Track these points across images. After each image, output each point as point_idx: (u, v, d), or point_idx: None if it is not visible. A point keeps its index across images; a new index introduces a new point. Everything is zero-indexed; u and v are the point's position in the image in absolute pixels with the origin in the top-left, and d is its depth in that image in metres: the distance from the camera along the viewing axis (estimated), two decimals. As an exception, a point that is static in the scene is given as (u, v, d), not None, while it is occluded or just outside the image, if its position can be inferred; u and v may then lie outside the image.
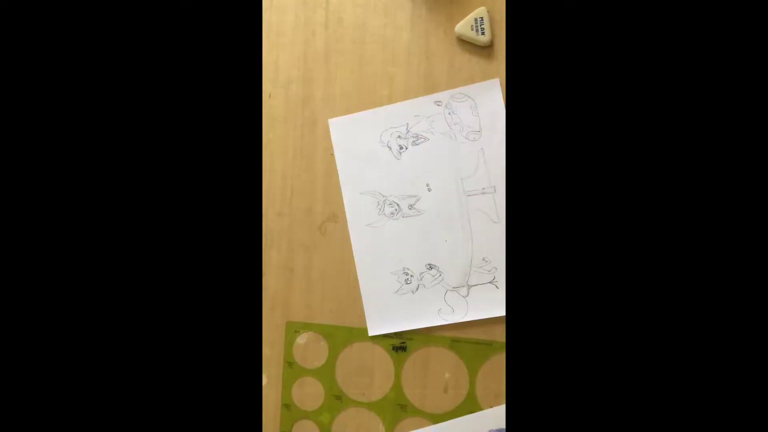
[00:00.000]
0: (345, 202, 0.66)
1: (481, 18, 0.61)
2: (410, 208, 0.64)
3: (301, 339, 0.68)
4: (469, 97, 0.63)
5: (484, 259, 0.62)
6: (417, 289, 0.64)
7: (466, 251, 0.63)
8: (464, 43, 0.62)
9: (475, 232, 0.63)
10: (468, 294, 0.63)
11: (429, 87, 0.64)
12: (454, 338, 0.63)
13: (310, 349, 0.68)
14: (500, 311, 0.62)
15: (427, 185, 0.64)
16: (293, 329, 0.69)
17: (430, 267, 0.64)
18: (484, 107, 0.63)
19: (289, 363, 0.69)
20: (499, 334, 0.62)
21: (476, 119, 0.63)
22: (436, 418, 0.64)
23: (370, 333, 0.65)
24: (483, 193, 0.63)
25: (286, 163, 0.69)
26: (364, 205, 0.66)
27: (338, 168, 0.67)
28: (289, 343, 0.69)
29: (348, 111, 0.66)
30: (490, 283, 0.62)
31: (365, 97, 0.66)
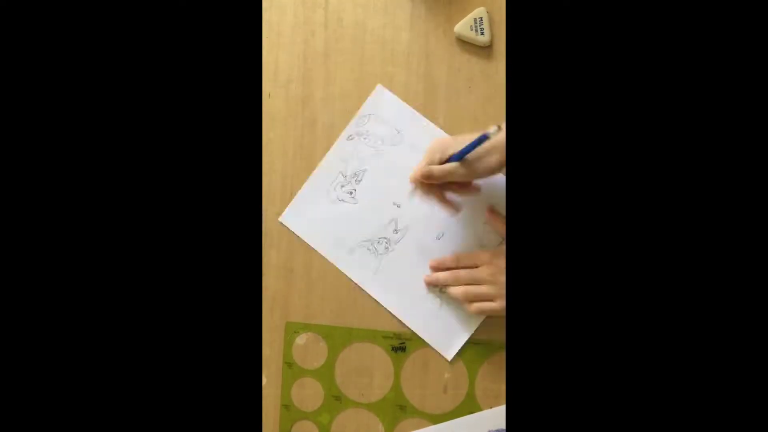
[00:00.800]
0: (344, 271, 0.66)
1: (481, 18, 0.61)
2: (396, 232, 0.65)
3: (301, 339, 0.68)
4: (369, 114, 0.65)
5: (484, 223, 0.63)
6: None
7: (465, 227, 0.63)
8: (464, 43, 0.62)
9: (465, 211, 0.62)
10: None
11: (428, 87, 0.64)
12: (453, 338, 0.63)
13: (310, 350, 0.68)
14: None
15: (394, 203, 0.65)
16: (293, 330, 0.69)
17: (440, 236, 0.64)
18: (385, 112, 0.64)
19: (289, 363, 0.69)
20: (499, 334, 0.62)
21: (388, 126, 0.65)
22: (436, 419, 0.64)
23: (449, 358, 0.63)
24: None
25: (286, 163, 0.69)
26: (360, 260, 0.66)
27: (319, 251, 0.67)
28: (288, 344, 0.69)
29: (348, 111, 0.66)
30: (502, 242, 0.62)
31: (365, 97, 0.66)
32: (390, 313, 0.65)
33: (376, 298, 0.65)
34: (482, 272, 0.60)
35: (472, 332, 0.63)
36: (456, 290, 0.61)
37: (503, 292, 0.58)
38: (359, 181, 0.66)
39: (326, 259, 0.67)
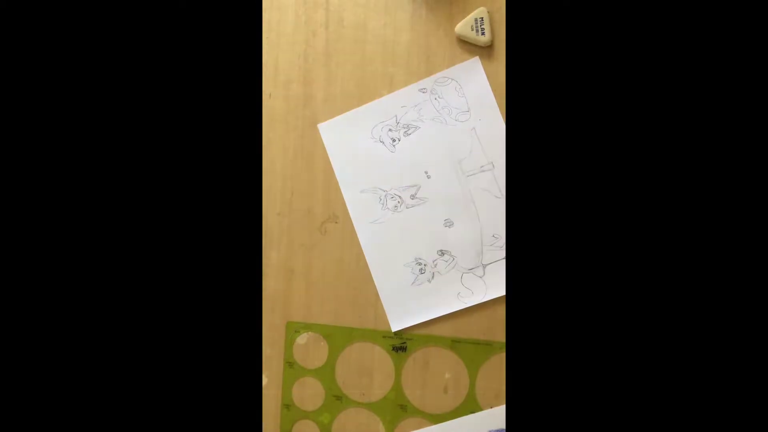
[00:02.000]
0: (347, 202, 0.66)
1: (481, 18, 0.61)
2: (413, 198, 0.64)
3: (302, 339, 0.68)
4: (452, 79, 0.63)
5: (494, 236, 0.62)
6: (432, 277, 0.64)
7: (475, 231, 0.63)
8: (464, 43, 0.62)
9: (481, 210, 0.63)
10: (484, 273, 0.63)
11: (429, 87, 0.64)
12: (454, 338, 0.63)
13: (311, 350, 0.68)
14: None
15: (426, 173, 0.64)
16: (293, 329, 0.69)
17: (442, 253, 0.64)
18: (469, 87, 0.63)
19: (290, 363, 0.69)
20: (499, 334, 0.62)
21: (463, 100, 0.63)
22: (436, 419, 0.64)
23: (394, 329, 0.65)
24: (482, 171, 0.63)
25: (286, 163, 0.69)
26: (366, 203, 0.66)
27: (335, 170, 0.67)
28: (289, 344, 0.69)
29: (347, 111, 0.66)
30: (504, 259, 0.62)
31: (365, 97, 0.66)
32: (366, 264, 0.65)
33: (361, 243, 0.66)
34: None
35: (426, 319, 0.64)
36: None
37: None
38: (408, 134, 0.65)
39: (326, 259, 0.67)
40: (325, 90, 0.67)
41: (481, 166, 0.63)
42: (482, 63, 0.62)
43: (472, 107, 0.63)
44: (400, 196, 0.65)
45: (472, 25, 0.61)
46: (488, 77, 0.62)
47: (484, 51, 0.62)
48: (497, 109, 0.62)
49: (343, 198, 0.67)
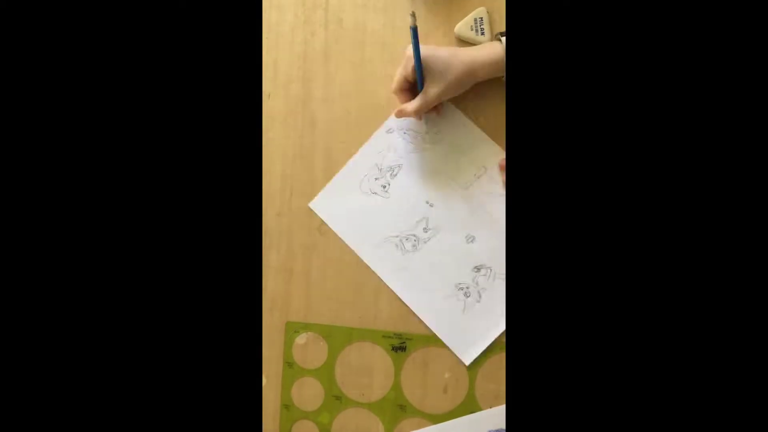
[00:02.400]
0: (368, 263, 0.66)
1: (481, 18, 0.61)
2: (426, 231, 0.64)
3: (301, 339, 0.68)
4: None
5: None
6: (480, 296, 0.63)
7: (499, 234, 0.63)
8: (464, 43, 0.62)
9: (494, 214, 0.63)
10: None
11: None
12: (453, 338, 0.63)
13: (310, 350, 0.68)
14: None
15: (428, 202, 0.64)
16: (293, 329, 0.69)
17: (478, 269, 0.63)
18: (441, 113, 0.63)
19: (289, 363, 0.69)
20: (499, 335, 0.62)
21: (429, 123, 0.64)
22: (436, 419, 0.64)
23: (467, 363, 0.63)
24: (477, 178, 0.63)
25: (286, 163, 0.69)
26: (385, 254, 0.66)
27: (343, 238, 0.67)
28: (288, 344, 0.69)
29: (347, 112, 0.66)
30: None
31: (365, 97, 0.66)
32: (413, 312, 0.64)
33: (398, 295, 0.65)
34: None
35: (494, 339, 0.62)
36: None
37: None
38: (394, 175, 0.65)
39: (326, 259, 0.67)
40: (324, 90, 0.67)
41: (475, 174, 0.63)
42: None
43: (443, 129, 0.64)
44: (414, 235, 0.65)
45: (471, 25, 0.61)
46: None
47: (484, 51, 0.62)
48: (464, 117, 0.63)
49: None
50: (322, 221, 0.67)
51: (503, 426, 0.62)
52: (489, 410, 0.62)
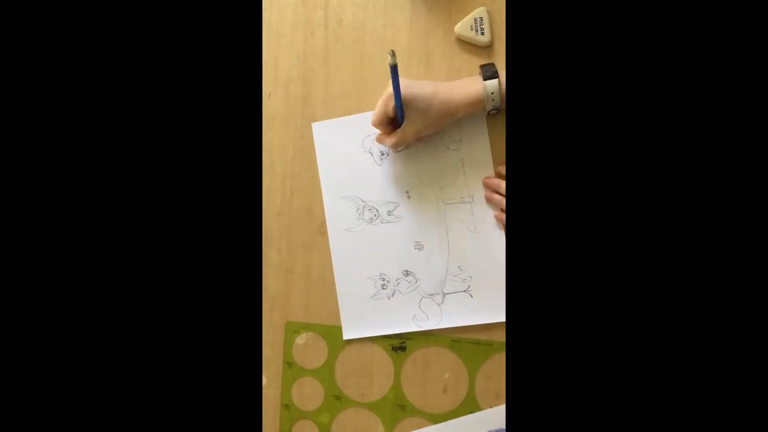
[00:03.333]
0: (325, 205, 0.67)
1: (481, 18, 0.61)
2: (389, 214, 0.65)
3: (301, 339, 0.68)
4: None
5: (459, 267, 0.63)
6: (393, 294, 0.65)
7: (443, 259, 0.63)
8: (464, 43, 0.62)
9: (452, 241, 0.63)
10: (443, 302, 0.63)
11: (429, 87, 0.64)
12: (453, 338, 0.63)
13: (310, 350, 0.68)
14: (473, 320, 0.63)
15: (407, 192, 0.65)
16: (293, 329, 0.69)
17: (407, 273, 0.64)
18: (467, 117, 0.63)
19: (289, 363, 0.69)
20: (499, 335, 0.62)
21: (458, 129, 0.63)
22: (436, 419, 0.64)
23: (345, 337, 0.66)
24: (461, 202, 0.63)
25: (286, 163, 0.69)
26: (343, 209, 0.66)
27: (320, 171, 0.67)
28: (288, 344, 0.69)
29: (347, 112, 0.66)
30: (464, 291, 0.63)
31: (365, 97, 0.66)
32: (332, 272, 0.66)
33: (331, 246, 0.66)
34: None
35: (377, 334, 0.65)
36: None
37: None
38: (397, 152, 0.65)
39: (326, 259, 0.67)
40: (324, 90, 0.67)
41: (462, 197, 0.63)
42: (483, 62, 0.62)
43: (465, 139, 0.63)
44: (377, 210, 0.65)
45: (471, 25, 0.61)
46: (488, 77, 0.62)
47: (484, 51, 0.62)
48: (488, 146, 0.62)
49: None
50: (322, 221, 0.67)
51: (503, 426, 0.62)
52: (489, 410, 0.62)
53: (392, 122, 0.60)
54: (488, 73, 0.56)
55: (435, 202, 0.63)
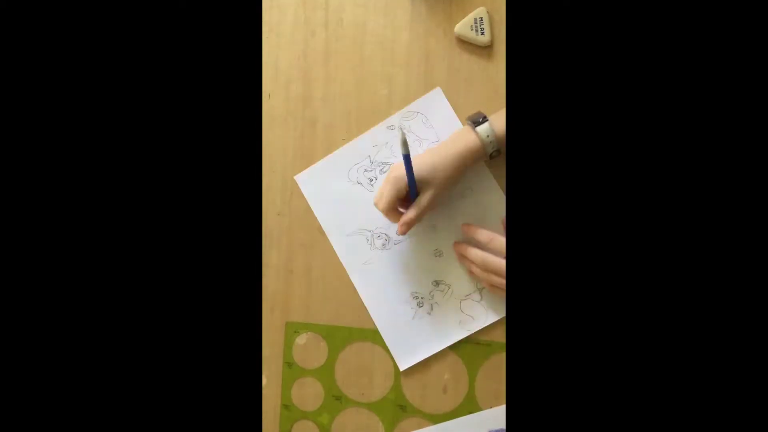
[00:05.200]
0: (335, 249, 0.67)
1: (481, 18, 0.61)
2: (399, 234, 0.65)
3: (301, 339, 0.68)
4: (418, 112, 0.64)
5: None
6: (431, 309, 0.64)
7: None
8: (464, 43, 0.62)
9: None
10: (481, 298, 0.63)
11: (428, 87, 0.64)
12: (453, 338, 0.63)
13: (310, 350, 0.68)
14: None
15: None
16: (293, 329, 0.69)
17: (437, 283, 0.64)
18: (435, 118, 0.63)
19: (289, 363, 0.69)
20: (499, 335, 0.62)
21: (432, 131, 0.63)
22: (436, 419, 0.64)
23: (402, 368, 0.65)
24: (462, 197, 0.63)
25: (286, 163, 0.69)
26: (354, 246, 0.66)
27: (318, 218, 0.67)
28: (288, 344, 0.69)
29: (347, 111, 0.66)
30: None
31: (365, 97, 0.66)
32: (364, 305, 0.66)
33: (357, 288, 0.66)
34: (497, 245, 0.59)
35: (433, 352, 0.63)
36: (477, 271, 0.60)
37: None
38: (384, 171, 0.65)
39: (326, 259, 0.67)
40: (324, 90, 0.67)
41: (460, 193, 0.63)
42: (483, 64, 0.62)
43: (441, 137, 0.63)
44: (386, 234, 0.65)
45: (471, 25, 0.61)
46: (487, 77, 0.62)
47: (484, 51, 0.62)
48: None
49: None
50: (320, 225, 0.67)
51: (503, 426, 0.62)
52: (489, 410, 0.62)
53: (402, 203, 0.60)
54: (476, 119, 0.57)
55: (440, 205, 0.63)
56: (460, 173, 0.58)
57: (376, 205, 0.60)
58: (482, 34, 0.61)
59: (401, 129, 0.54)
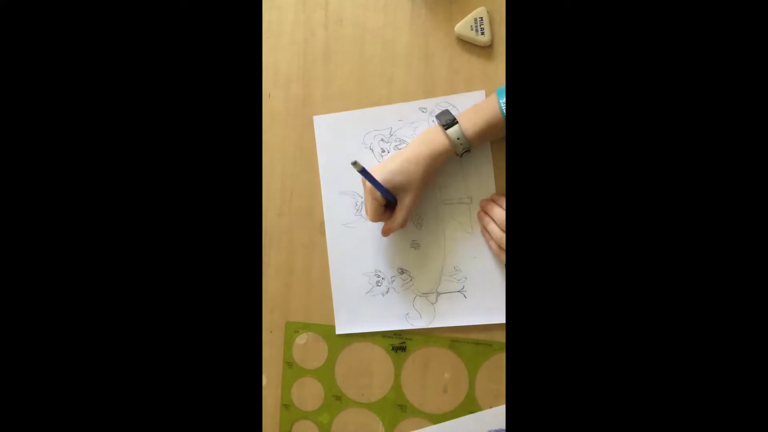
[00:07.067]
0: (323, 199, 0.67)
1: (481, 18, 0.61)
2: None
3: (301, 339, 0.68)
4: (453, 106, 0.63)
5: (455, 268, 0.63)
6: (387, 291, 0.65)
7: (438, 258, 0.63)
8: (464, 43, 0.62)
9: (449, 241, 0.63)
10: (437, 301, 0.63)
11: (428, 87, 0.64)
12: (453, 338, 0.63)
13: (310, 350, 0.68)
14: (465, 321, 0.63)
15: None
16: (293, 329, 0.69)
17: (402, 271, 0.65)
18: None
19: (289, 363, 0.69)
20: (499, 335, 0.62)
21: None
22: (436, 419, 0.64)
23: (338, 331, 0.66)
24: (460, 203, 0.63)
25: (286, 163, 0.69)
26: (342, 204, 0.66)
27: (319, 165, 0.67)
28: (288, 344, 0.69)
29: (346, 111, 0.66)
30: (458, 292, 0.63)
31: (365, 97, 0.66)
32: (329, 268, 0.67)
33: (327, 241, 0.66)
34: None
35: (368, 331, 0.65)
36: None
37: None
38: (398, 147, 0.65)
39: (326, 259, 0.67)
40: (324, 90, 0.67)
41: (460, 198, 0.63)
42: (483, 64, 0.62)
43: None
44: None
45: (471, 25, 0.61)
46: (487, 77, 0.62)
47: (484, 51, 0.62)
48: (489, 148, 0.62)
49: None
50: (322, 221, 0.67)
51: (503, 426, 0.62)
52: (489, 410, 0.62)
53: (387, 208, 0.61)
54: (446, 121, 0.57)
55: (433, 201, 0.63)
56: (434, 171, 0.59)
57: (367, 217, 0.61)
58: (482, 34, 0.61)
59: (357, 162, 0.54)
